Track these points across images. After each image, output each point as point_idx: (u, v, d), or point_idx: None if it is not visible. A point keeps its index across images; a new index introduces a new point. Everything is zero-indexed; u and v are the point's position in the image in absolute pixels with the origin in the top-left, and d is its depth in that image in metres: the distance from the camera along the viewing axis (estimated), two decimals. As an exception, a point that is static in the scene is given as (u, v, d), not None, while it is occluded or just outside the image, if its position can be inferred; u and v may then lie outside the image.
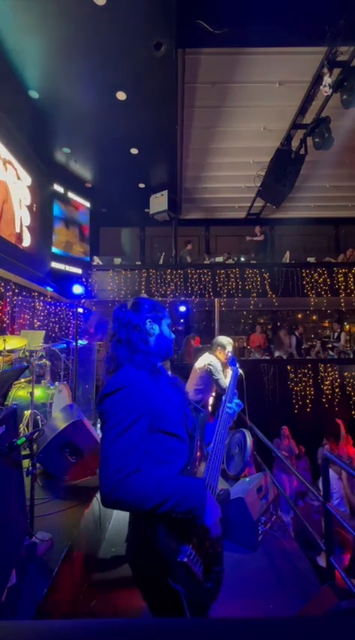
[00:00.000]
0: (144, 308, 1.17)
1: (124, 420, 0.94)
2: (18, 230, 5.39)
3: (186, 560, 0.89)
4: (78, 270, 7.31)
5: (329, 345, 8.19)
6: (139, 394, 1.00)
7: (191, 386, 3.27)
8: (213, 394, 3.32)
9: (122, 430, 0.93)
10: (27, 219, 5.68)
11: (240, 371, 1.58)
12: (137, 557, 1.02)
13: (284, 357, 7.84)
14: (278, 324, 9.47)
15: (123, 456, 0.90)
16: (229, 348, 3.15)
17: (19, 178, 5.38)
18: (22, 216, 5.50)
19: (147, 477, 0.92)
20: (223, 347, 3.15)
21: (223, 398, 1.41)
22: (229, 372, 3.17)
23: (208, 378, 3.15)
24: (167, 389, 1.12)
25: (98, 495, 2.51)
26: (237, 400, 1.42)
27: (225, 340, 3.18)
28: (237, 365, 1.62)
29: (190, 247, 8.38)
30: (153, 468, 0.98)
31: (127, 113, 5.05)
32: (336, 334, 8.41)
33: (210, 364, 3.12)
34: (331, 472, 4.00)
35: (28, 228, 5.73)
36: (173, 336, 1.24)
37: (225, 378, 3.10)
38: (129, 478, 0.88)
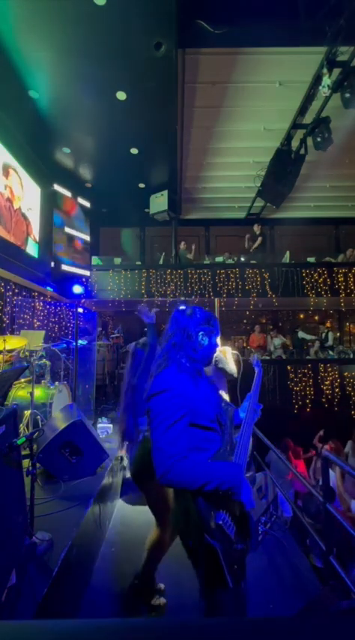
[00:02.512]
0: (200, 319, 1.33)
1: (171, 417, 1.13)
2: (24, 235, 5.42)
3: (220, 522, 1.10)
4: (78, 271, 7.30)
5: (315, 344, 8.23)
6: (181, 395, 1.17)
7: None
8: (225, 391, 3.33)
9: (170, 424, 1.12)
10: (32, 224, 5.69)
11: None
12: (182, 520, 1.22)
13: (284, 356, 7.85)
14: (280, 324, 9.49)
15: (173, 445, 1.10)
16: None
17: (20, 181, 5.39)
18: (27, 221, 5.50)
19: (194, 462, 1.12)
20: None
21: (247, 395, 1.55)
22: (229, 358, 3.24)
23: (217, 372, 3.20)
24: (205, 389, 1.27)
25: (98, 495, 2.51)
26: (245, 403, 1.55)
27: None
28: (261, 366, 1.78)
29: (184, 246, 8.37)
30: (195, 455, 1.17)
31: (127, 113, 5.04)
32: (324, 334, 8.55)
33: (215, 357, 3.21)
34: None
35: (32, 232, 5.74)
36: (218, 345, 1.41)
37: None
38: (180, 463, 1.08)
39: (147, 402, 1.21)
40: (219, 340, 3.39)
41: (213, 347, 1.36)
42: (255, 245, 8.32)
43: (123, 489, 3.51)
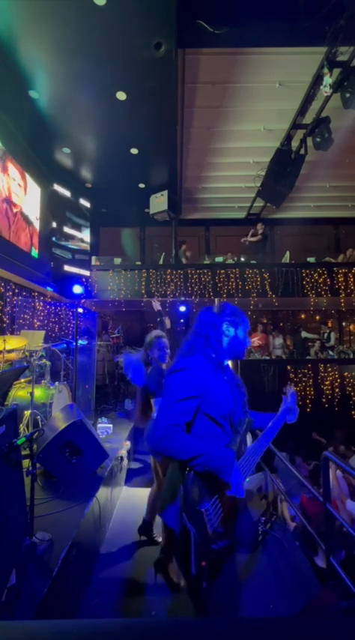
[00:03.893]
0: (225, 312, 1.36)
1: (182, 393, 1.18)
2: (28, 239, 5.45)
3: (203, 510, 1.09)
4: (78, 271, 7.30)
5: (315, 344, 8.25)
6: (197, 378, 1.21)
7: None
8: None
9: (178, 399, 1.17)
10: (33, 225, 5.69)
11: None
12: (166, 493, 1.24)
13: (284, 356, 7.85)
14: (281, 324, 9.49)
15: (175, 417, 1.15)
16: None
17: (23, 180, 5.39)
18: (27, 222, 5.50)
19: (189, 436, 1.18)
20: None
21: (281, 407, 1.56)
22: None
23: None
24: (224, 384, 1.29)
25: (98, 495, 2.51)
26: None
27: None
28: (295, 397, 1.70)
29: (185, 247, 8.39)
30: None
31: (127, 113, 5.04)
32: (326, 335, 8.57)
33: None
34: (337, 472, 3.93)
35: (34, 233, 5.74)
36: (248, 341, 1.40)
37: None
38: (177, 432, 1.12)
39: (167, 376, 1.27)
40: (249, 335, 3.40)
41: (239, 339, 1.34)
42: (251, 239, 8.32)
43: (127, 478, 3.74)
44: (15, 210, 5.26)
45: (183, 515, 1.10)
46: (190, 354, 1.29)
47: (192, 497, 1.10)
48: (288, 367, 7.28)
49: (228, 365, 1.37)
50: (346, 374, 7.25)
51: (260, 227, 8.37)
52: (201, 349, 1.29)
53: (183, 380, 1.20)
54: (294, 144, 5.92)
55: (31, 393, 3.36)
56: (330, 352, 8.09)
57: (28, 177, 5.72)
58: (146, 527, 2.60)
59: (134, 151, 6.04)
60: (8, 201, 5.03)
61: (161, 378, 2.22)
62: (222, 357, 1.30)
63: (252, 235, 8.34)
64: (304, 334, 8.60)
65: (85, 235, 7.72)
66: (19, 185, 5.43)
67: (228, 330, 1.33)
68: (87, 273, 7.51)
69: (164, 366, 2.38)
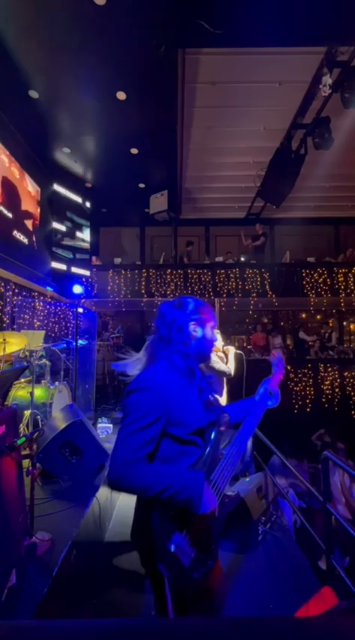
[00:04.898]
0: (190, 309, 1.16)
1: (141, 420, 0.99)
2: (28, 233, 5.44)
3: (173, 550, 0.95)
4: (78, 271, 7.30)
5: (316, 344, 8.26)
6: (160, 397, 1.02)
7: None
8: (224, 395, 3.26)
9: (137, 429, 0.98)
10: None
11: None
12: (134, 536, 1.11)
13: (284, 357, 7.86)
14: (282, 323, 9.49)
15: (133, 451, 0.96)
16: (218, 337, 3.25)
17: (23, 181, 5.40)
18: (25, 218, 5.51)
19: (149, 468, 0.99)
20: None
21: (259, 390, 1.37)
22: (230, 358, 3.19)
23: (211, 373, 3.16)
24: (192, 393, 1.11)
25: (98, 495, 2.51)
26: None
27: None
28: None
29: (191, 248, 8.41)
30: (158, 464, 1.04)
31: (127, 113, 5.04)
32: (327, 335, 8.61)
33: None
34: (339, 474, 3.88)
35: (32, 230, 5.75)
36: (216, 338, 1.24)
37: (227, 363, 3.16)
38: (133, 469, 0.94)
39: (125, 398, 1.07)
40: (217, 334, 3.32)
41: (207, 339, 1.17)
42: (256, 243, 8.32)
43: None
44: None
45: (154, 558, 0.98)
46: (152, 363, 1.12)
47: (161, 537, 0.97)
48: (288, 367, 7.28)
49: (198, 366, 1.17)
50: (346, 374, 7.26)
51: (259, 228, 8.37)
52: (165, 355, 1.10)
53: (141, 403, 1.01)
54: (294, 144, 5.91)
55: (31, 393, 3.36)
56: (330, 352, 8.09)
57: (31, 179, 5.76)
58: None
59: (134, 150, 6.04)
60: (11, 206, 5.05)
61: None
62: (189, 363, 1.11)
63: (254, 239, 8.34)
64: (302, 335, 8.60)
65: (85, 235, 7.72)
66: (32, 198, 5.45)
67: (195, 331, 1.14)
68: (87, 272, 7.51)
69: None
